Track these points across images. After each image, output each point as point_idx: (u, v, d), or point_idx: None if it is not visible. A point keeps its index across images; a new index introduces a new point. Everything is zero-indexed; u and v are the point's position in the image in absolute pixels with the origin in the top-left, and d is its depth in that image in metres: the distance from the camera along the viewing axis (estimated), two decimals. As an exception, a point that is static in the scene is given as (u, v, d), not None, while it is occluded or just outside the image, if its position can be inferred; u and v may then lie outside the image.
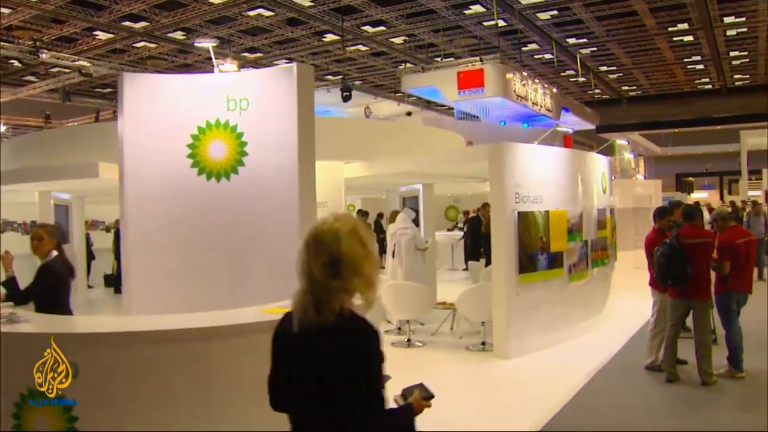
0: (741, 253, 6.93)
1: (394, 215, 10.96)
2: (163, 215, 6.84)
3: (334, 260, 2.14)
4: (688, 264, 6.48)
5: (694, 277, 6.51)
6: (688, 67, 26.77)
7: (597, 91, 29.93)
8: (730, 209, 16.35)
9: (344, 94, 20.14)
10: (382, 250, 11.29)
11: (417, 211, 12.25)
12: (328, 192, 10.28)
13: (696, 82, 29.68)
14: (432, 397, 2.36)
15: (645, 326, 7.66)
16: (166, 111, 6.89)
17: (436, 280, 13.05)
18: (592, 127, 27.62)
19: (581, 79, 26.91)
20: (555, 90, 22.50)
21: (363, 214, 15.33)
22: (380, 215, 16.82)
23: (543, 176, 8.46)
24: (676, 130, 33.81)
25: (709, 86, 30.18)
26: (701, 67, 26.81)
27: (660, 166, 41.34)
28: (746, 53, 24.82)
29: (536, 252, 8.14)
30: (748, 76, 28.70)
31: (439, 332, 9.50)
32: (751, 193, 27.89)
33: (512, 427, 5.71)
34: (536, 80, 20.50)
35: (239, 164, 6.82)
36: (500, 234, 8.01)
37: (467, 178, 11.24)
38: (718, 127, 31.43)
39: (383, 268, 12.87)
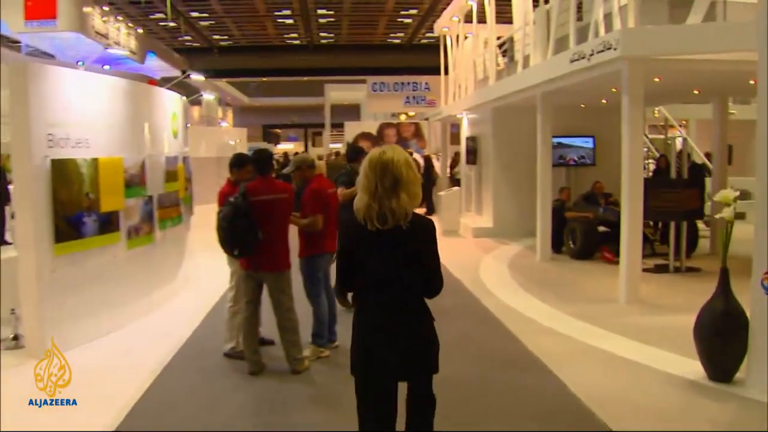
0: (332, 205, 6.02)
1: None
2: None
3: (396, 182, 2.88)
4: (259, 227, 5.25)
5: (266, 244, 5.33)
6: (278, 21, 27.04)
7: (188, 38, 28.90)
8: None
9: None
10: None
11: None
12: None
13: (285, 36, 30.28)
14: None
15: (226, 296, 6.31)
16: None
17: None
18: (179, 73, 26.09)
19: (171, 24, 25.44)
20: (140, 31, 21.09)
21: None
22: None
23: (90, 113, 6.42)
24: (264, 80, 34.44)
25: (297, 42, 31.02)
26: (291, 21, 27.24)
27: (247, 117, 42.17)
28: (333, 12, 25.75)
29: (80, 213, 6.12)
30: (333, 35, 30.08)
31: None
32: (332, 145, 29.54)
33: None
34: (119, 18, 18.97)
35: None
36: (25, 191, 5.86)
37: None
38: (305, 79, 32.83)
39: None
